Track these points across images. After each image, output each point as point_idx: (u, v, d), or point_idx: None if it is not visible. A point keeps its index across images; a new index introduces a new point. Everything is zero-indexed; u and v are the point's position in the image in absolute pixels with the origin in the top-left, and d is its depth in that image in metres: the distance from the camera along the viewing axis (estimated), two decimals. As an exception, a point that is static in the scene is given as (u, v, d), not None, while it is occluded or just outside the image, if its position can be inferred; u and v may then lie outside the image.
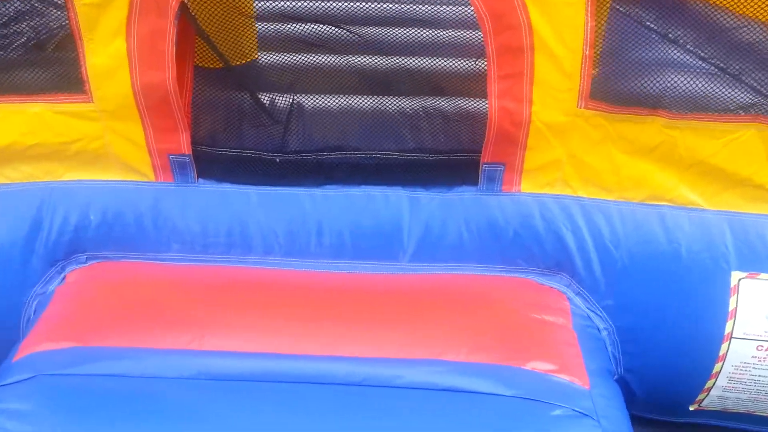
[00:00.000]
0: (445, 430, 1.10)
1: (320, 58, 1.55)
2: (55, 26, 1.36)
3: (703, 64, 1.40)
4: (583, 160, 1.47)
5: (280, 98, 1.53)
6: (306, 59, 1.55)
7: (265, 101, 1.51)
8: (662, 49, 1.37)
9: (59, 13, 1.34)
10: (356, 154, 1.53)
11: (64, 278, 1.47)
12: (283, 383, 1.16)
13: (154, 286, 1.39)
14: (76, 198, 1.48)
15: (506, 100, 1.38)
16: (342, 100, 1.52)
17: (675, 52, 1.36)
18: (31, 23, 1.37)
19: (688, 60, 1.41)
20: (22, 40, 1.41)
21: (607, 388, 1.33)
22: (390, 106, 1.53)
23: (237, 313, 1.30)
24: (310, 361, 1.19)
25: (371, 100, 1.52)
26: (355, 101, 1.52)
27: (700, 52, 1.41)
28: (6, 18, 1.36)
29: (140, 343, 1.23)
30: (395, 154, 1.52)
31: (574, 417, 1.17)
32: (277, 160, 1.52)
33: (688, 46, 1.42)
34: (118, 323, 1.28)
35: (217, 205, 1.50)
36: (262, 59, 1.51)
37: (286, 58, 1.54)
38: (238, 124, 1.52)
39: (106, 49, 1.34)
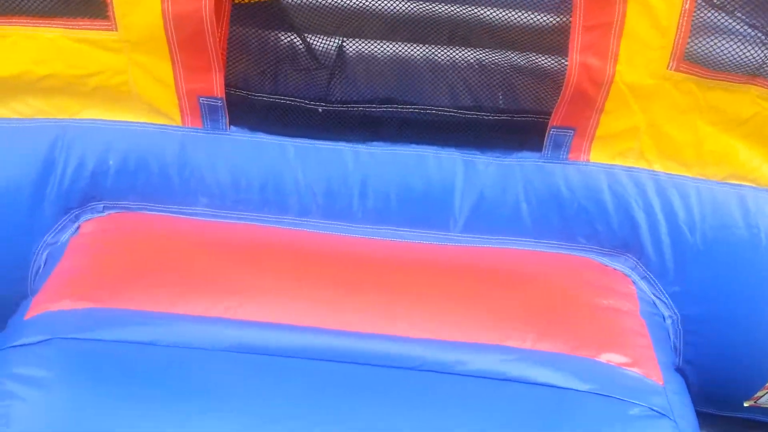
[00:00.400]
0: (514, 426, 0.99)
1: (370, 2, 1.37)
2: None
3: (757, 33, 1.25)
4: (664, 129, 1.31)
5: (326, 41, 1.36)
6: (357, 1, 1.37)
7: (309, 43, 1.34)
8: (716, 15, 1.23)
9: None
10: (408, 108, 1.36)
11: (78, 228, 1.31)
12: (331, 362, 1.03)
13: (180, 243, 1.25)
14: (93, 139, 1.31)
15: (589, 55, 1.21)
16: (396, 48, 1.35)
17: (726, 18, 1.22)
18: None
19: (739, 28, 1.26)
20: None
21: (677, 383, 1.21)
22: (450, 58, 1.37)
23: (275, 280, 1.16)
24: (362, 339, 1.06)
25: (429, 51, 1.34)
26: (412, 50, 1.34)
27: (751, 20, 1.26)
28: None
29: (169, 308, 1.09)
30: (452, 112, 1.36)
31: (652, 417, 1.05)
32: (320, 110, 1.34)
33: (738, 14, 1.28)
34: (142, 283, 1.14)
35: (251, 157, 1.34)
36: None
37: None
38: (279, 66, 1.35)
39: (134, -32, 1.16)
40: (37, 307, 1.12)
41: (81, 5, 1.20)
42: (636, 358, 1.16)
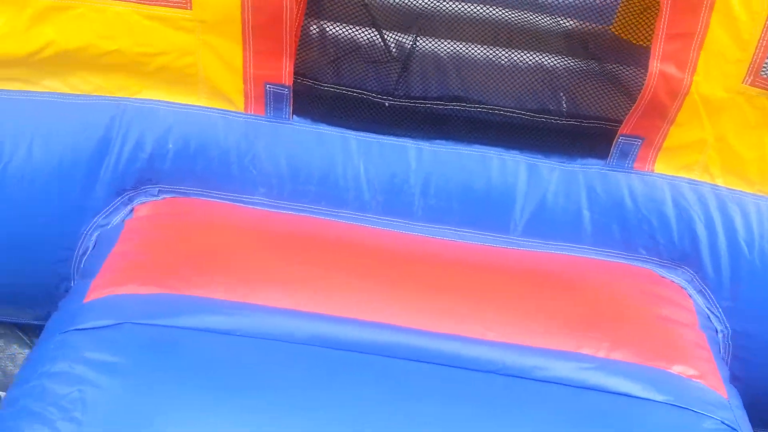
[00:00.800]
0: (595, 435, 0.97)
1: (446, 3, 1.34)
2: None
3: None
4: (731, 144, 1.32)
5: (398, 36, 1.33)
6: (431, 2, 1.34)
7: (383, 35, 1.31)
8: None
9: None
10: (476, 108, 1.34)
11: (132, 211, 1.27)
12: (411, 361, 1.00)
13: (242, 232, 1.21)
14: (154, 120, 1.26)
15: (669, 63, 1.21)
16: (465, 48, 1.32)
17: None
18: None
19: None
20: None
21: (736, 398, 1.21)
22: (523, 61, 1.35)
23: (344, 275, 1.13)
24: (441, 339, 1.04)
25: (503, 53, 1.32)
26: (481, 51, 1.32)
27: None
28: None
29: (243, 298, 1.05)
30: (519, 113, 1.35)
31: (724, 431, 1.05)
32: (386, 104, 1.32)
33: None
34: (211, 271, 1.10)
35: (312, 148, 1.31)
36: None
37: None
38: (348, 57, 1.32)
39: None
40: (99, 290, 1.07)
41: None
42: (702, 371, 1.15)
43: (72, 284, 1.32)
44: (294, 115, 1.32)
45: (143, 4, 1.18)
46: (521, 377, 1.02)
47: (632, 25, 1.37)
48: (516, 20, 1.34)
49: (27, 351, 1.63)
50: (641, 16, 1.30)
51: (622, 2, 1.45)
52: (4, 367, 1.59)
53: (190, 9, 1.18)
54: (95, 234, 1.27)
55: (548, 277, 1.26)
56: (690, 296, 1.36)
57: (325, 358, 1.00)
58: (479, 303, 1.15)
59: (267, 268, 1.14)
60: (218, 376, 0.95)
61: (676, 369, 1.12)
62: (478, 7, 1.33)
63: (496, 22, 1.37)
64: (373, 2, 1.28)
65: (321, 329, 1.03)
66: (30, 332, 1.64)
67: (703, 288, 1.38)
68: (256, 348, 0.99)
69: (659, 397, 1.05)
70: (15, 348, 1.62)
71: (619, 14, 1.49)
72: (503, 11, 1.37)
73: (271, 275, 1.12)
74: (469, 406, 0.97)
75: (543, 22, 1.35)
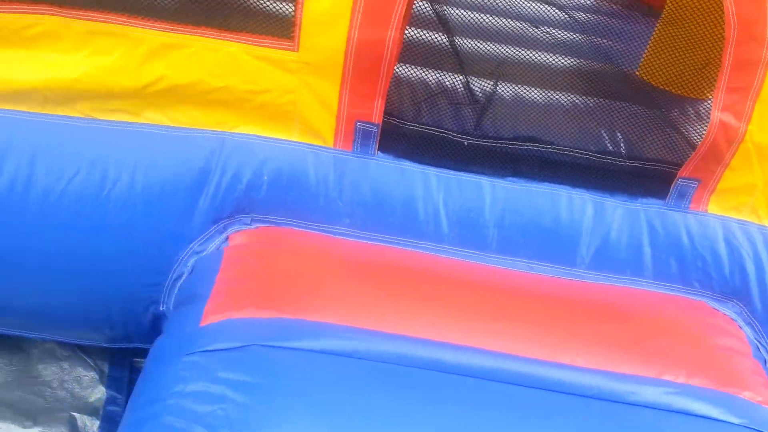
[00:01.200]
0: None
1: (524, 52, 1.47)
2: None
3: None
4: (777, 188, 1.46)
5: (479, 81, 1.44)
6: (510, 51, 1.46)
7: (468, 79, 1.41)
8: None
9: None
10: (548, 148, 1.46)
11: (227, 239, 1.33)
12: (516, 386, 1.07)
13: (337, 260, 1.28)
14: (250, 153, 1.34)
15: (728, 114, 1.34)
16: (541, 94, 1.45)
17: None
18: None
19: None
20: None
21: (790, 423, 1.31)
22: (590, 105, 1.47)
23: (441, 303, 1.20)
24: (543, 366, 1.11)
25: (572, 97, 1.45)
26: (556, 96, 1.45)
27: None
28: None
29: (354, 323, 1.11)
30: (588, 154, 1.46)
31: (793, 453, 1.14)
32: (465, 143, 1.43)
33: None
34: (319, 297, 1.16)
35: (395, 183, 1.39)
36: (468, 44, 1.41)
37: (489, 46, 1.46)
38: (433, 98, 1.42)
39: (331, -8, 1.21)
40: (215, 315, 1.12)
41: (268, 23, 1.25)
42: (766, 397, 1.25)
43: (161, 308, 1.38)
44: (378, 152, 1.42)
45: (253, 45, 1.27)
46: (615, 401, 1.10)
47: (659, 70, 1.51)
48: (582, 67, 1.47)
49: (92, 373, 1.65)
50: (702, 71, 1.43)
51: (649, 48, 1.59)
52: (71, 390, 1.61)
53: (297, 51, 1.27)
54: (191, 260, 1.32)
55: (618, 308, 1.35)
56: (740, 327, 1.48)
57: (439, 381, 1.06)
58: (564, 331, 1.23)
59: (368, 295, 1.20)
60: (343, 397, 1.00)
61: (746, 395, 1.21)
62: (550, 56, 1.45)
63: (564, 69, 1.50)
64: (460, 49, 1.39)
65: (434, 354, 1.10)
66: (94, 355, 1.66)
67: (752, 320, 1.49)
68: (376, 371, 1.04)
69: (736, 421, 1.14)
70: (80, 371, 1.63)
71: (645, 59, 1.63)
72: (567, 59, 1.50)
73: (373, 302, 1.19)
74: (572, 429, 1.05)
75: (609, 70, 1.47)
